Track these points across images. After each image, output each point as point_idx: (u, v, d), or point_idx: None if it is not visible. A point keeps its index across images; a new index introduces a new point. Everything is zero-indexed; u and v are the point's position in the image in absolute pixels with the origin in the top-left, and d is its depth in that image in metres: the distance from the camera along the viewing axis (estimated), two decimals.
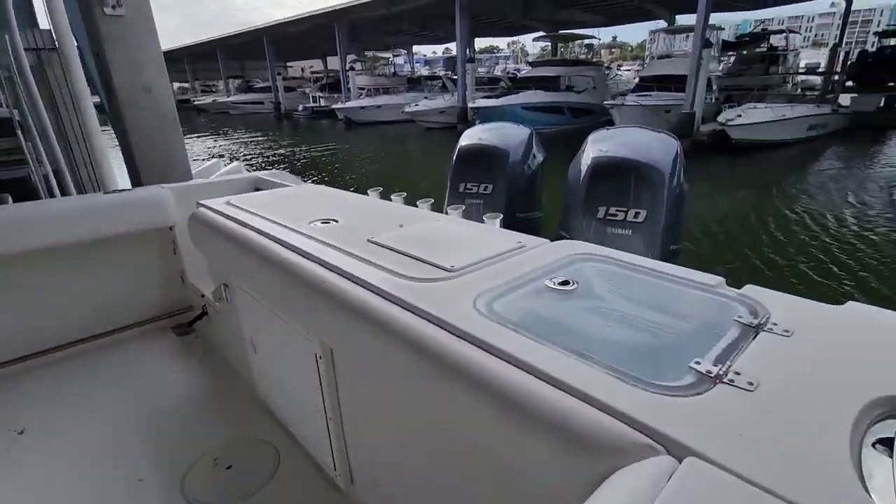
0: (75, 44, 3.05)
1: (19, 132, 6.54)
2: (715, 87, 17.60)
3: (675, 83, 16.30)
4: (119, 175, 3.46)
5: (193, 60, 46.04)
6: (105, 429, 1.91)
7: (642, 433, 0.65)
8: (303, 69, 50.05)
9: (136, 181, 3.15)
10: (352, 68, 29.64)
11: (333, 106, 28.14)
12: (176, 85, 54.59)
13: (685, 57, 17.51)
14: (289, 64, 49.84)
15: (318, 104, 32.91)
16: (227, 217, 1.78)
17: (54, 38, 3.43)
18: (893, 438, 0.62)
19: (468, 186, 3.34)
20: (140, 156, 3.12)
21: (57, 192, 4.68)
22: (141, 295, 2.62)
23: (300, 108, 33.25)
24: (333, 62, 37.25)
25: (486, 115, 18.64)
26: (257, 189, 2.79)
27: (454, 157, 3.41)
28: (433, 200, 2.01)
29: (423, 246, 1.35)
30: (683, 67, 15.81)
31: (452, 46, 31.16)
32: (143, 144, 3.13)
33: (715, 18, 17.67)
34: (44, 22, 3.25)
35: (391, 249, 1.34)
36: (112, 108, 3.05)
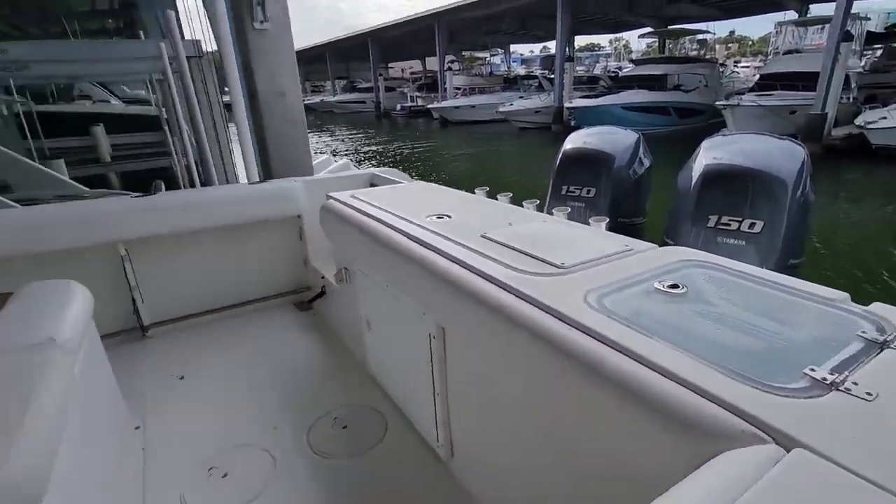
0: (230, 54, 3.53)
1: (165, 128, 7.67)
2: (854, 84, 15.47)
3: (802, 81, 14.60)
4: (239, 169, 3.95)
5: (306, 63, 49.93)
6: (246, 380, 2.27)
7: (749, 423, 0.70)
8: (403, 70, 52.02)
9: (268, 174, 3.60)
10: (449, 68, 30.31)
11: (429, 105, 29.01)
12: None
13: (817, 52, 15.62)
14: (390, 65, 52.07)
15: (415, 104, 34.13)
16: (353, 208, 2.02)
17: (196, 47, 3.97)
18: None
19: (570, 189, 3.37)
20: (273, 152, 3.56)
21: (196, 180, 5.43)
22: (271, 273, 3.01)
23: (398, 107, 34.72)
24: (432, 63, 38.33)
25: (583, 115, 18.08)
26: (373, 184, 3.06)
27: (557, 160, 3.45)
28: (538, 201, 2.10)
29: (533, 243, 1.44)
30: (814, 64, 14.09)
31: (551, 45, 30.55)
32: (275, 142, 3.56)
33: (859, 6, 15.51)
34: (187, 33, 3.80)
35: (503, 245, 1.45)
36: (254, 110, 3.51)
